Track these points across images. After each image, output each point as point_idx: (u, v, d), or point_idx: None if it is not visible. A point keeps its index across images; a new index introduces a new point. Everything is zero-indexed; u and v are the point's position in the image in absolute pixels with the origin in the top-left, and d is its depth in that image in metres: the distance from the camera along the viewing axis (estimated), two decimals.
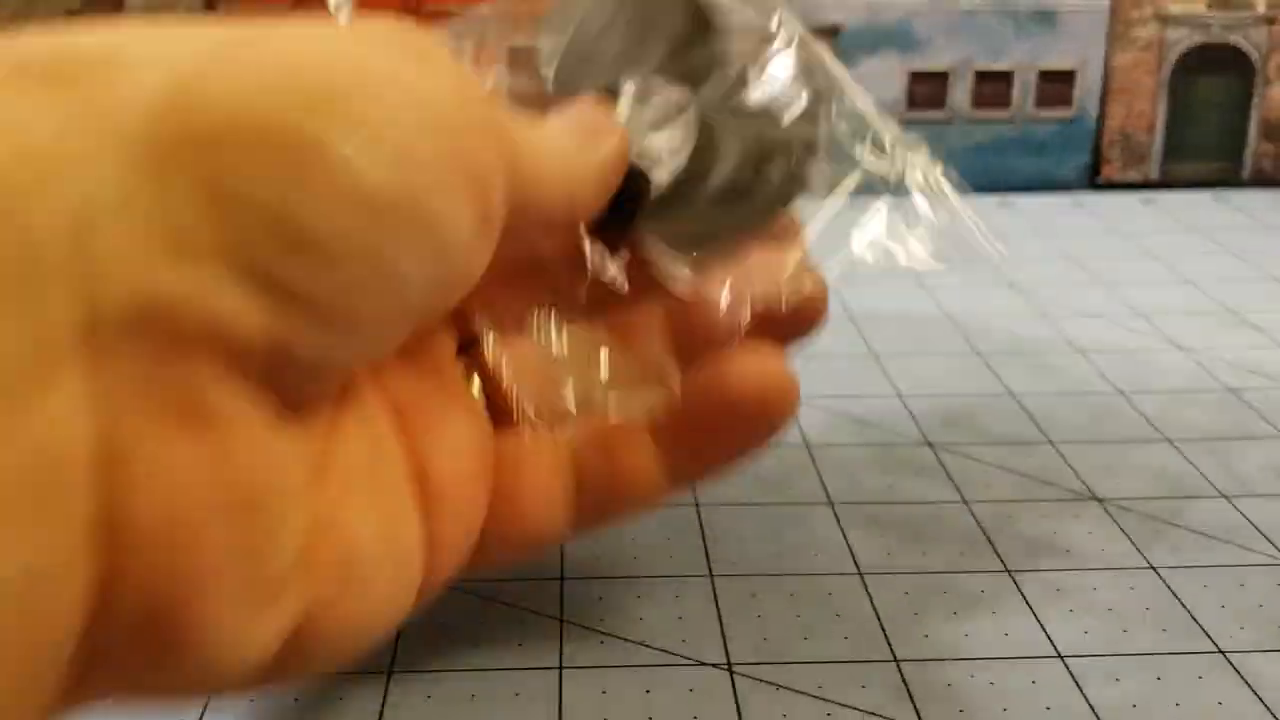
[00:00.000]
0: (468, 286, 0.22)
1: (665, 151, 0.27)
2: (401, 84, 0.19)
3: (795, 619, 0.29)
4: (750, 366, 0.26)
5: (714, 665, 0.27)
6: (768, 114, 0.30)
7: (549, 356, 0.27)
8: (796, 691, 0.26)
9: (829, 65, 0.31)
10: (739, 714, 0.26)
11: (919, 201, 0.29)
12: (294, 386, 0.19)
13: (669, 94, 0.29)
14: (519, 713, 0.25)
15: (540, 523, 0.26)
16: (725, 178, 0.28)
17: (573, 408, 0.27)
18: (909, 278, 0.53)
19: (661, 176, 0.27)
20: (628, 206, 0.27)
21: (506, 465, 0.25)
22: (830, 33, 0.65)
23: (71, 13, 0.62)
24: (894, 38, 0.66)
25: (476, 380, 0.26)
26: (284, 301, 0.18)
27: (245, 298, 0.17)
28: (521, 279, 0.27)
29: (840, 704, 0.26)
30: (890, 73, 0.66)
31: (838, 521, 0.33)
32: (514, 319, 0.28)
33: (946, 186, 0.30)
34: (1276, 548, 0.32)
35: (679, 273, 0.26)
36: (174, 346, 0.17)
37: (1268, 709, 0.26)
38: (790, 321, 0.28)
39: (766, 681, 0.27)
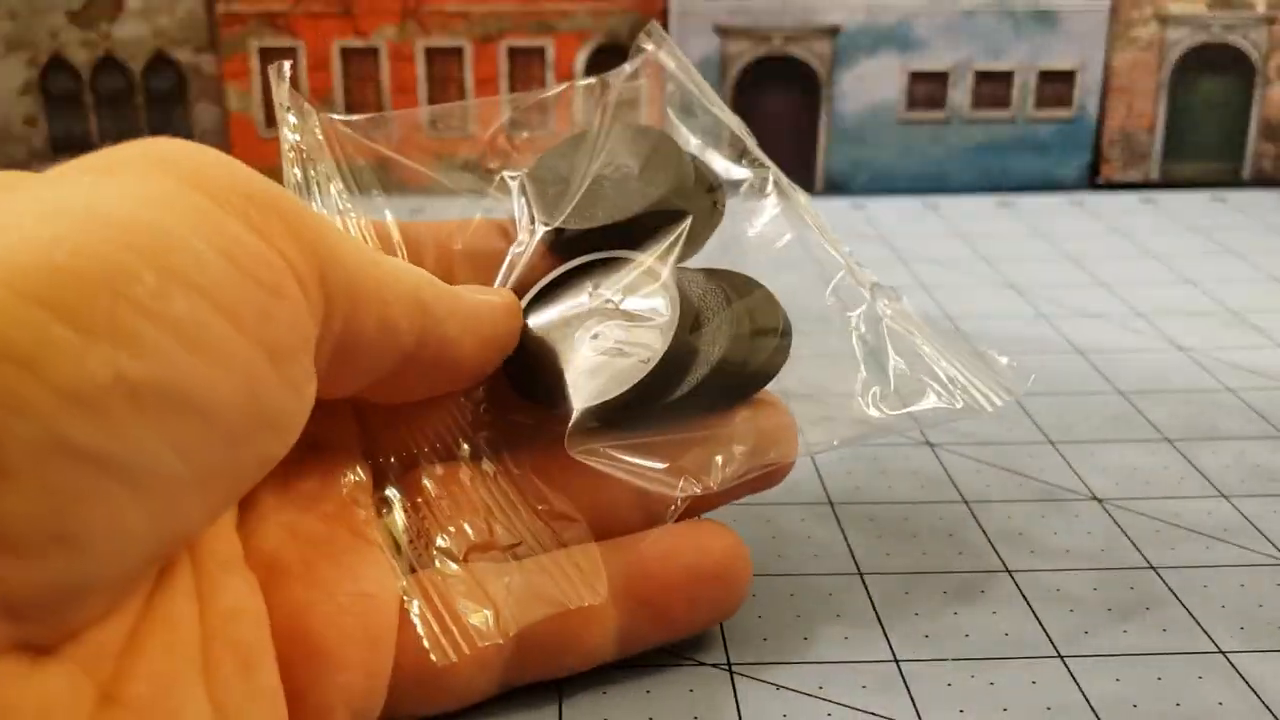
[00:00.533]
0: (289, 437, 0.20)
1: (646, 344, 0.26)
2: (149, 265, 0.17)
3: (795, 619, 0.29)
4: (713, 542, 0.26)
5: (714, 665, 0.27)
6: (758, 287, 0.29)
7: (467, 492, 0.26)
8: (796, 691, 0.26)
9: (806, 210, 0.31)
10: (739, 714, 0.26)
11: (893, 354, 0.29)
12: (44, 625, 0.16)
13: (657, 282, 0.27)
14: (518, 713, 0.25)
15: (466, 683, 0.25)
16: (712, 365, 0.27)
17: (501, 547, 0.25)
18: (908, 278, 0.53)
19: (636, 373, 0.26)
20: (542, 386, 0.26)
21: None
22: (829, 33, 0.65)
23: (72, 13, 0.62)
24: (894, 38, 0.66)
25: (400, 518, 0.25)
26: None
27: None
28: (436, 412, 0.26)
29: (840, 704, 0.26)
30: (890, 73, 0.66)
31: (838, 521, 0.33)
32: (440, 449, 0.26)
33: (918, 325, 0.30)
34: (1276, 548, 0.32)
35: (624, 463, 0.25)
36: None
37: (1268, 709, 0.26)
38: (754, 480, 0.27)
39: (766, 681, 0.27)
